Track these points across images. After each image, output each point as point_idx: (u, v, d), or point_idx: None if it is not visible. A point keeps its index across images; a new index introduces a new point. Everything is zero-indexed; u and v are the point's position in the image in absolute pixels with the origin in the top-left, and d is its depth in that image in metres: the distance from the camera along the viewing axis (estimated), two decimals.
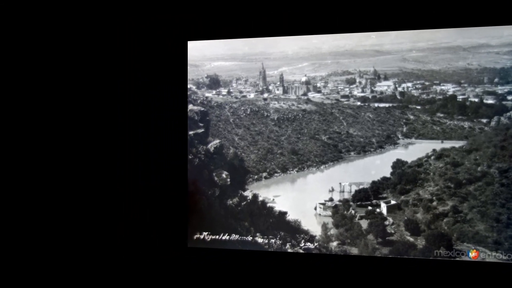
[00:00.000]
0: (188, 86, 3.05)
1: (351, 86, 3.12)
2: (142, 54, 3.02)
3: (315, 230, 2.90)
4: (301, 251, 2.88)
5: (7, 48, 3.01)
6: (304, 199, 2.99)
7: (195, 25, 2.98)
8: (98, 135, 3.02)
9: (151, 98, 3.00)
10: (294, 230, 2.93)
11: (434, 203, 2.74)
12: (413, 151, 2.92)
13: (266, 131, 3.17)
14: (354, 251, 2.80)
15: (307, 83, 3.20)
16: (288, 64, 3.08)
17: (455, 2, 2.61)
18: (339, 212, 2.89)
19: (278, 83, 3.22)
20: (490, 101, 2.71)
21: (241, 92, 3.23)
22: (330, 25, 2.80)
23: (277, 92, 3.23)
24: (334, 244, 2.85)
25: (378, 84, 3.05)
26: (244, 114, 3.21)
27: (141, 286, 2.99)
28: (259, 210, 3.01)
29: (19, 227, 3.00)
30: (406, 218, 2.78)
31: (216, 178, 3.06)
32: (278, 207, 2.99)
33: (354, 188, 2.91)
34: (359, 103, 3.10)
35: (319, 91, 3.18)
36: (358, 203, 2.89)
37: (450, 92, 2.84)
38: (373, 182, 2.87)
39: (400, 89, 3.02)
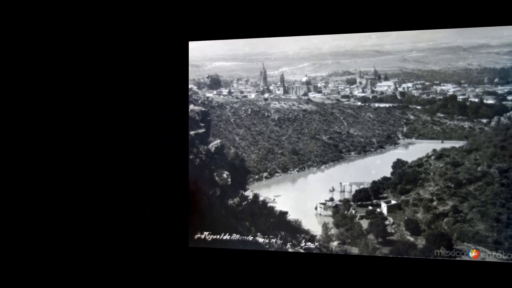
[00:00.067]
0: (189, 86, 3.06)
1: (351, 86, 3.13)
2: (144, 55, 3.03)
3: (316, 230, 2.90)
4: (301, 250, 2.89)
5: (7, 48, 3.01)
6: (304, 199, 2.99)
7: (196, 25, 2.99)
8: (100, 135, 3.03)
9: (152, 98, 3.01)
10: (295, 230, 2.94)
11: (434, 203, 2.75)
12: (414, 151, 2.93)
13: (267, 131, 3.17)
14: (355, 250, 2.81)
15: (307, 83, 3.20)
16: (288, 64, 3.09)
17: (455, 2, 2.62)
18: (340, 212, 2.90)
19: (279, 83, 3.22)
20: (490, 101, 2.72)
21: (242, 92, 3.24)
22: (330, 26, 2.81)
23: (277, 92, 3.24)
24: (335, 243, 2.86)
25: (379, 84, 3.06)
26: (245, 114, 3.21)
27: (142, 286, 3.00)
28: (260, 210, 3.02)
29: (20, 227, 3.01)
30: (406, 218, 2.78)
31: (217, 178, 3.07)
32: (279, 207, 3.00)
33: (354, 188, 2.91)
34: (359, 103, 3.11)
35: (319, 91, 3.19)
36: (359, 203, 2.90)
37: (450, 92, 2.84)
38: (374, 182, 2.87)
39: (400, 89, 3.03)
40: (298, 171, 3.15)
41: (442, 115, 2.90)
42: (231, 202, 3.04)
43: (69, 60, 3.03)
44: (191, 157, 3.04)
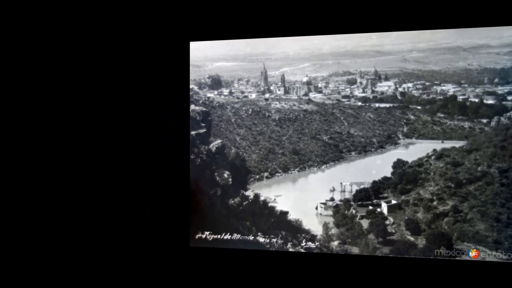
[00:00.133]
0: (190, 87, 3.07)
1: (352, 87, 3.14)
2: (145, 55, 3.03)
3: (316, 229, 2.91)
4: (302, 250, 2.90)
5: (7, 48, 3.02)
6: (305, 199, 3.00)
7: (197, 26, 3.00)
8: (101, 136, 3.04)
9: (153, 98, 3.02)
10: (295, 229, 2.95)
11: (435, 203, 2.75)
12: (414, 151, 2.94)
13: (267, 131, 3.18)
14: (355, 250, 2.81)
15: (308, 83, 3.21)
16: (289, 64, 3.10)
17: (456, 3, 2.63)
18: (340, 212, 2.91)
19: (280, 83, 3.23)
20: (490, 101, 2.73)
21: (242, 92, 3.25)
22: (331, 26, 2.82)
23: (278, 92, 3.24)
24: (335, 243, 2.86)
25: (379, 84, 3.06)
26: (245, 114, 3.22)
27: (143, 286, 3.00)
28: (261, 210, 3.03)
29: (20, 227, 3.01)
30: (406, 217, 2.79)
31: (218, 178, 3.08)
32: (280, 206, 3.01)
33: (355, 188, 2.92)
34: (360, 103, 3.11)
35: (320, 92, 3.20)
36: (359, 202, 2.90)
37: (451, 93, 2.85)
38: (374, 182, 2.88)
39: (400, 89, 3.03)
40: (298, 171, 3.15)
41: (442, 115, 2.90)
42: (232, 202, 3.05)
43: (70, 60, 3.04)
44: (192, 157, 3.04)
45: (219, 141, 3.12)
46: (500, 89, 2.67)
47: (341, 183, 2.94)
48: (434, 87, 2.90)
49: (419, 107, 2.96)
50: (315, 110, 3.21)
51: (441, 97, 2.88)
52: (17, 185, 3.01)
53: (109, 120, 3.04)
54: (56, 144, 3.03)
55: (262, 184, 3.12)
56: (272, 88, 3.25)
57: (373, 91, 3.08)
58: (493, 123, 2.71)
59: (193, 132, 3.08)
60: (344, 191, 2.94)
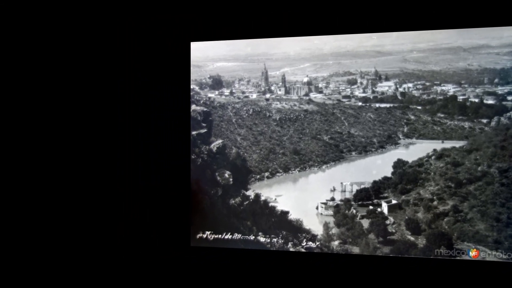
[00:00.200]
0: (191, 87, 3.07)
1: (352, 87, 3.14)
2: (145, 55, 3.04)
3: (317, 229, 2.92)
4: (303, 250, 2.90)
5: (7, 48, 3.02)
6: (305, 199, 3.01)
7: (197, 26, 3.00)
8: (101, 136, 3.04)
9: (154, 99, 3.02)
10: (296, 229, 2.95)
11: (435, 203, 2.76)
12: (414, 151, 2.94)
13: (268, 131, 3.19)
14: (355, 250, 2.82)
15: (309, 83, 3.22)
16: (290, 64, 3.10)
17: (456, 3, 2.63)
18: (341, 212, 2.91)
19: (280, 83, 3.23)
20: (490, 102, 2.73)
21: (243, 92, 3.25)
22: (331, 26, 2.82)
23: (279, 92, 3.25)
24: (336, 243, 2.87)
25: (379, 84, 3.07)
26: (246, 115, 3.22)
27: (144, 286, 3.01)
28: (261, 210, 3.03)
29: (20, 227, 3.02)
30: (407, 217, 2.80)
31: (218, 178, 3.08)
32: (280, 206, 3.01)
33: (355, 188, 2.93)
34: (360, 104, 3.12)
35: (320, 92, 3.20)
36: (360, 202, 2.91)
37: (451, 93, 2.85)
38: (374, 182, 2.89)
39: (401, 89, 3.04)
40: (299, 171, 3.16)
41: (442, 115, 2.91)
42: (233, 201, 3.05)
43: (70, 60, 3.04)
44: (193, 157, 3.05)
45: (220, 141, 3.13)
46: (500, 89, 2.68)
47: (341, 183, 2.95)
48: (434, 87, 2.90)
49: (419, 107, 2.97)
50: (315, 110, 3.22)
51: (441, 97, 2.89)
52: (17, 185, 3.02)
53: (109, 120, 3.04)
54: (56, 144, 3.03)
55: (262, 184, 3.13)
56: (272, 88, 3.25)
57: (373, 91, 3.09)
58: (493, 123, 2.72)
59: (194, 132, 3.08)
60: (344, 191, 2.94)
